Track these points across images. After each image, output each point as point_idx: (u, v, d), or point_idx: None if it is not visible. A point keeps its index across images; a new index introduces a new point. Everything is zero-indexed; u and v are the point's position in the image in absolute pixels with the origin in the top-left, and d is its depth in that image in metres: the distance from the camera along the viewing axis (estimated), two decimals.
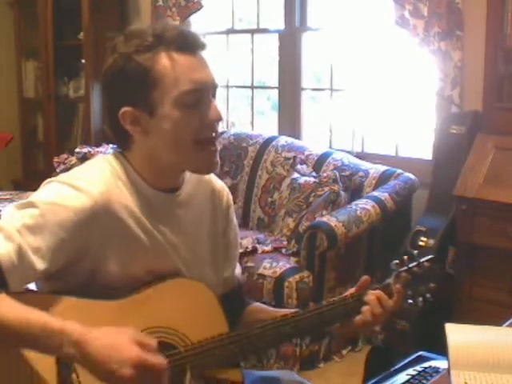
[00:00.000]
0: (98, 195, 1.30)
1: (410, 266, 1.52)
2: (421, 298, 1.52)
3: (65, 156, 4.12)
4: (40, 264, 1.25)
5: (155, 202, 1.40)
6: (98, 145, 4.22)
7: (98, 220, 1.30)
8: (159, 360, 1.18)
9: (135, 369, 1.15)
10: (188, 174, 1.47)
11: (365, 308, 1.45)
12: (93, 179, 1.34)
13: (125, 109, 1.33)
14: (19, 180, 5.27)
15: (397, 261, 1.52)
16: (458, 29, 3.21)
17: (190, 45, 1.33)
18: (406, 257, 1.53)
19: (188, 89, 1.31)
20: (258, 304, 1.65)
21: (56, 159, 4.11)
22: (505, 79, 3.05)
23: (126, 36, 1.36)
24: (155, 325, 1.33)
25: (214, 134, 1.37)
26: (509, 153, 2.89)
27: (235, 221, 1.62)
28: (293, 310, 1.48)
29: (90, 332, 1.17)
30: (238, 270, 1.64)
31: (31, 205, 1.28)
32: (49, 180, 1.36)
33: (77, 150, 4.12)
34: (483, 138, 3.00)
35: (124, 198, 1.35)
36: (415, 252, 1.54)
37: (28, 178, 5.21)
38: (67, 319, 1.21)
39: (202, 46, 1.36)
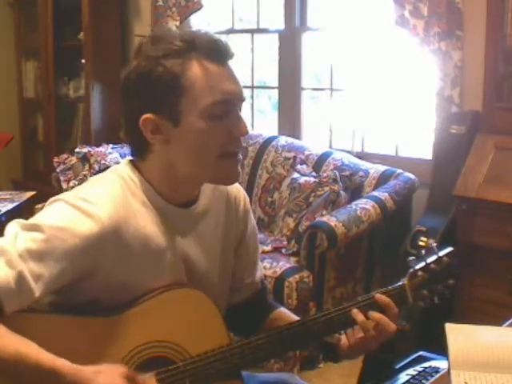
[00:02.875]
0: (106, 219, 1.24)
1: (428, 262, 1.40)
2: (437, 297, 1.41)
3: (65, 156, 4.12)
4: (39, 291, 1.20)
5: (169, 217, 1.34)
6: (98, 145, 4.22)
7: (105, 245, 1.25)
8: None
9: None
10: (204, 185, 1.41)
11: (348, 332, 1.37)
12: (102, 200, 1.26)
13: (147, 115, 1.26)
14: (19, 180, 5.27)
15: (413, 257, 1.41)
16: (458, 29, 3.20)
17: (220, 54, 1.28)
18: (423, 251, 1.41)
19: (218, 99, 1.26)
20: (282, 310, 1.58)
21: (56, 159, 4.11)
22: (505, 79, 3.05)
23: (153, 39, 1.29)
24: (154, 339, 1.30)
25: (238, 149, 1.33)
26: (509, 153, 2.89)
27: (254, 224, 1.56)
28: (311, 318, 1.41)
29: (83, 373, 1.17)
30: (259, 273, 1.58)
31: (37, 228, 1.21)
32: (55, 198, 1.29)
33: (77, 149, 4.12)
34: (483, 138, 3.00)
35: (136, 219, 1.29)
36: (434, 244, 1.40)
37: (28, 178, 5.21)
38: (64, 337, 1.22)
39: (232, 56, 1.30)
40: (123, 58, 4.75)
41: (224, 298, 1.49)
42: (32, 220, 1.24)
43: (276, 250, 3.31)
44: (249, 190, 3.80)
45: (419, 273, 1.40)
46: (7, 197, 4.00)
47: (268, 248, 3.31)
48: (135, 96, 1.29)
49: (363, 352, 1.42)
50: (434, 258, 1.41)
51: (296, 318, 1.52)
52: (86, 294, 1.29)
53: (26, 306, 1.21)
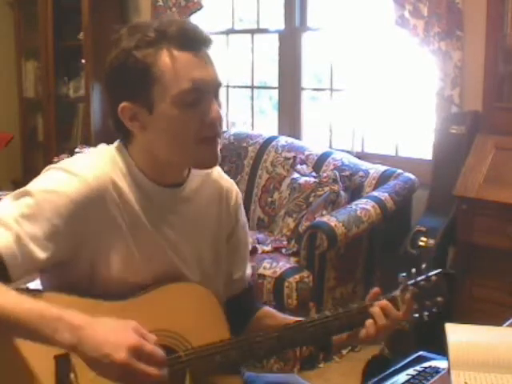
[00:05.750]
0: (93, 181, 1.29)
1: (418, 279, 1.48)
2: (426, 312, 1.48)
3: (65, 156, 4.12)
4: (39, 253, 1.23)
5: (155, 196, 1.37)
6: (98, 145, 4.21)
7: (93, 207, 1.29)
8: (159, 351, 1.16)
9: (130, 354, 1.11)
10: (194, 170, 1.44)
11: (368, 321, 1.41)
12: (90, 165, 1.33)
13: (124, 104, 1.32)
14: (19, 180, 5.26)
15: (404, 274, 1.48)
16: (458, 29, 3.20)
17: (192, 42, 1.30)
18: (413, 270, 1.48)
19: (187, 87, 1.28)
20: (267, 309, 1.61)
21: (56, 159, 4.11)
22: (505, 79, 3.05)
23: (130, 30, 1.33)
24: (156, 327, 1.30)
25: (214, 134, 1.34)
26: (509, 153, 2.89)
27: (244, 220, 1.58)
28: (300, 319, 1.45)
29: (90, 317, 1.15)
30: (248, 271, 1.60)
31: (27, 193, 1.27)
32: (48, 167, 1.35)
33: (77, 150, 4.12)
34: (483, 138, 3.00)
35: (121, 189, 1.33)
36: (423, 266, 1.50)
37: (28, 178, 5.06)
38: None
39: (206, 43, 1.32)
40: None
41: (221, 290, 1.49)
42: (22, 188, 1.30)
43: (276, 249, 3.31)
44: (249, 189, 3.80)
45: (410, 287, 1.46)
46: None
47: (268, 248, 3.31)
48: (112, 86, 1.36)
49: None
50: (423, 276, 1.49)
51: (280, 314, 1.58)
52: (82, 270, 1.31)
53: (32, 271, 1.26)
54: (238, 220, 1.55)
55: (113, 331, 1.13)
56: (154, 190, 1.37)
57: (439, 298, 1.48)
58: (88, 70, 4.63)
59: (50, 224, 1.25)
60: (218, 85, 1.35)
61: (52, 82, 4.85)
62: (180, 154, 1.34)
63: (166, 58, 1.29)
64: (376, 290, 1.47)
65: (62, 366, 1.21)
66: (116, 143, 1.41)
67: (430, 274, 1.49)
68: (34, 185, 1.30)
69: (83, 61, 4.67)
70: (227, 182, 1.54)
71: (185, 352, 1.31)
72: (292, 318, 1.50)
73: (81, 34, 4.63)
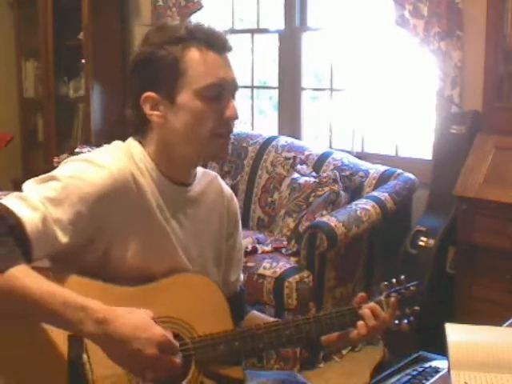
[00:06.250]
0: (117, 173, 1.34)
1: (398, 288, 1.56)
2: (406, 321, 1.55)
3: (65, 156, 4.12)
4: (61, 236, 1.27)
5: (168, 193, 1.43)
6: (98, 145, 4.18)
7: (115, 197, 1.34)
8: (176, 342, 1.25)
9: (160, 349, 1.19)
10: (199, 173, 1.52)
11: (359, 323, 1.48)
12: (113, 158, 1.38)
13: (148, 93, 1.38)
14: (19, 180, 5.25)
15: (386, 283, 1.56)
16: (457, 29, 3.21)
17: (219, 44, 1.40)
18: (394, 280, 1.57)
19: (212, 82, 1.37)
20: (255, 312, 1.69)
21: (56, 159, 4.12)
22: (505, 79, 3.05)
23: (159, 27, 1.43)
24: (166, 314, 1.36)
25: (228, 130, 1.42)
26: (509, 153, 2.89)
27: (241, 229, 1.67)
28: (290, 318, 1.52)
29: (115, 311, 1.20)
30: (241, 276, 1.69)
31: (52, 178, 1.31)
32: (69, 159, 1.40)
33: (77, 150, 4.12)
34: (483, 138, 3.00)
35: (140, 183, 1.38)
36: (402, 277, 1.58)
37: (28, 178, 5.13)
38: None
39: (230, 48, 1.42)
40: (123, 58, 4.75)
41: (222, 288, 1.54)
42: (46, 174, 1.34)
43: (276, 250, 3.31)
44: (249, 189, 3.80)
45: (393, 294, 1.54)
46: None
47: (268, 248, 3.31)
48: (139, 76, 1.42)
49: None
50: (402, 286, 1.58)
51: (269, 317, 1.65)
52: (95, 257, 1.35)
53: (52, 253, 1.29)
54: (237, 228, 1.64)
55: (139, 328, 1.20)
56: (166, 186, 1.43)
57: (416, 307, 1.56)
58: (88, 70, 4.62)
59: (75, 210, 1.29)
60: (236, 87, 1.44)
61: (52, 82, 4.85)
62: (194, 144, 1.40)
63: (195, 54, 1.38)
64: (363, 294, 1.55)
65: (75, 346, 1.24)
66: (130, 140, 1.46)
67: (409, 284, 1.59)
68: (59, 171, 1.34)
69: (83, 61, 4.67)
70: (228, 191, 1.62)
71: (191, 340, 1.36)
72: (280, 319, 1.56)
73: (81, 34, 4.62)
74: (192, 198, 1.49)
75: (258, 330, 1.42)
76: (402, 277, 1.59)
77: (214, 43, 1.40)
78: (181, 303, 1.40)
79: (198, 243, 1.50)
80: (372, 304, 1.50)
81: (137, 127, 1.45)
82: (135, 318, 1.21)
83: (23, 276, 1.18)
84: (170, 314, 1.37)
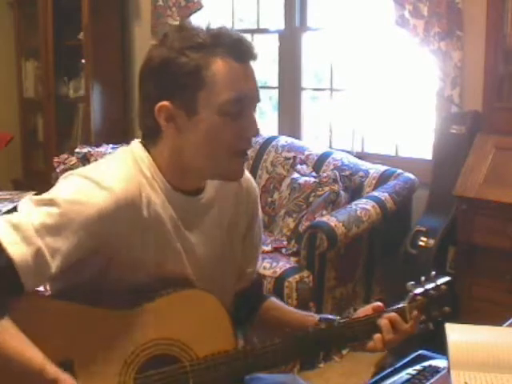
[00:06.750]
0: (120, 192, 1.25)
1: (427, 288, 1.45)
2: (432, 323, 1.46)
3: (65, 156, 4.12)
4: (56, 265, 1.20)
5: (177, 204, 1.35)
6: (98, 145, 4.21)
7: (120, 218, 1.25)
8: None
9: None
10: None
11: (376, 336, 1.39)
12: (115, 174, 1.28)
13: (163, 103, 1.28)
14: (19, 180, 5.27)
15: (413, 282, 1.45)
16: (457, 29, 3.20)
17: (245, 54, 1.31)
18: (423, 278, 1.46)
19: (235, 97, 1.27)
20: (273, 300, 1.61)
21: (56, 159, 4.11)
22: (505, 79, 3.05)
23: (179, 28, 1.32)
24: (163, 336, 1.31)
25: (248, 148, 1.33)
26: (509, 153, 2.89)
27: (260, 214, 1.56)
28: (306, 313, 1.47)
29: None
30: (258, 263, 1.61)
31: (51, 202, 1.21)
32: (69, 173, 1.30)
33: (77, 149, 4.11)
34: (483, 138, 3.00)
35: (149, 196, 1.30)
36: (432, 273, 1.46)
37: (28, 178, 5.21)
38: (74, 329, 1.23)
39: (255, 57, 1.33)
40: (123, 58, 4.75)
41: (229, 292, 1.49)
42: (46, 195, 1.24)
43: (276, 250, 3.31)
44: None
45: (418, 297, 1.43)
46: (7, 197, 4.00)
47: (268, 248, 3.31)
48: (155, 81, 1.30)
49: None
50: (432, 285, 1.46)
51: (286, 307, 1.59)
52: (93, 269, 1.29)
53: (45, 282, 1.24)
54: (256, 215, 1.53)
55: None
56: (175, 197, 1.34)
57: (446, 308, 1.46)
58: (88, 70, 4.62)
59: (75, 238, 1.21)
60: (258, 98, 1.35)
61: (52, 82, 4.85)
62: (210, 162, 1.31)
63: (220, 65, 1.27)
64: (379, 304, 1.45)
65: (66, 369, 1.21)
66: (135, 143, 1.37)
67: (439, 282, 1.47)
68: (58, 193, 1.24)
69: (83, 61, 4.67)
70: (245, 180, 1.49)
71: (189, 362, 1.31)
72: (296, 312, 1.52)
73: (81, 34, 4.62)
74: (205, 205, 1.39)
75: (262, 348, 1.34)
76: (433, 273, 1.47)
77: (239, 52, 1.29)
78: (177, 324, 1.33)
79: (208, 248, 1.41)
80: (393, 315, 1.40)
81: (147, 134, 1.35)
82: None
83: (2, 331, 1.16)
84: (168, 335, 1.31)
